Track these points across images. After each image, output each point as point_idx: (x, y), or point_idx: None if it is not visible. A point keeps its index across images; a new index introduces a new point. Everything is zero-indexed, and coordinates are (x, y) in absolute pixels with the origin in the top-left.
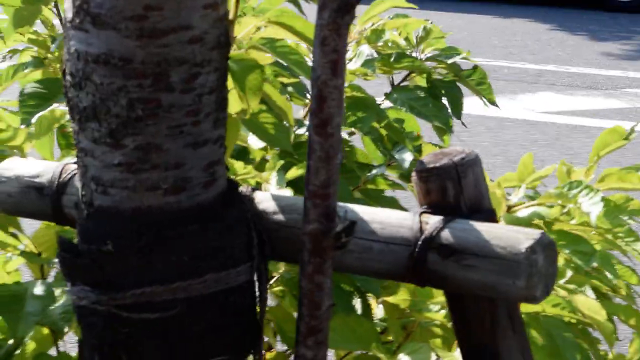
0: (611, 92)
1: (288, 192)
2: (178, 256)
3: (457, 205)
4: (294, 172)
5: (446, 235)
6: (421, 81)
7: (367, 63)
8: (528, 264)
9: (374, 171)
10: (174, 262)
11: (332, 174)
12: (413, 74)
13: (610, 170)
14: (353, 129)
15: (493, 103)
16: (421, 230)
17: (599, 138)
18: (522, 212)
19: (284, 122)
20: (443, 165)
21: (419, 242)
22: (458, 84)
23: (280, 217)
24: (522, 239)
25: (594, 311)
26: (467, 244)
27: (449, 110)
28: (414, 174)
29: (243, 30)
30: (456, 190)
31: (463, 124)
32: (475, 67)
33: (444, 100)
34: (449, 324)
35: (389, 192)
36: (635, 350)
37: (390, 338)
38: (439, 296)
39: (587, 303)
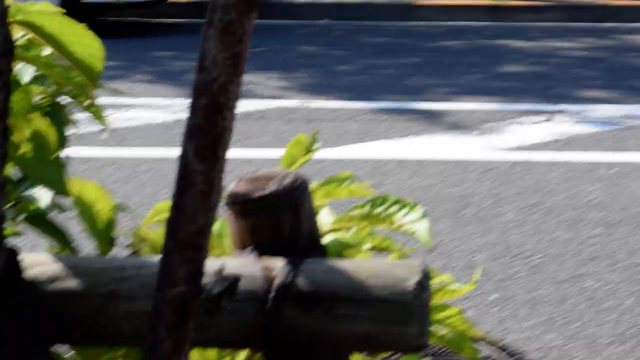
0: None
1: None
2: None
3: (292, 242)
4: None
5: (304, 280)
6: None
7: None
8: (419, 304)
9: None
10: None
11: (212, 215)
12: None
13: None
14: None
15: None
16: (268, 279)
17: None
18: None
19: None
20: (275, 193)
21: (271, 295)
22: None
23: (67, 284)
24: (405, 273)
25: None
26: (337, 288)
27: None
28: (227, 208)
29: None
30: (292, 223)
31: None
32: None
33: None
34: None
35: None
36: None
37: None
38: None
39: None
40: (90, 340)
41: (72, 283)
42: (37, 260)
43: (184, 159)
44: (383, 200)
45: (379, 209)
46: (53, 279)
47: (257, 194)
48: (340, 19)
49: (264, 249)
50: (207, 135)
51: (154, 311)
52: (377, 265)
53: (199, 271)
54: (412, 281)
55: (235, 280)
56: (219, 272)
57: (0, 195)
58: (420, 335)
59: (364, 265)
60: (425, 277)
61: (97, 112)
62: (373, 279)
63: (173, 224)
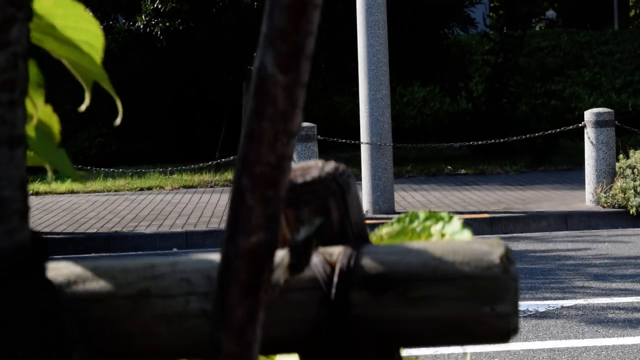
0: None
1: None
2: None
3: (342, 233)
4: None
5: (370, 263)
6: None
7: None
8: (508, 277)
9: None
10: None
11: (292, 145)
12: None
13: None
14: None
15: None
16: (328, 262)
17: None
18: None
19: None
20: (319, 178)
21: (335, 278)
22: None
23: (86, 286)
24: (486, 248)
25: None
26: (410, 268)
27: None
28: None
29: None
30: (341, 211)
31: None
32: None
33: None
34: None
35: None
36: None
37: None
38: None
39: None
40: (120, 352)
41: (93, 286)
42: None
43: (261, 73)
44: (415, 215)
45: (414, 224)
46: (70, 282)
47: (300, 180)
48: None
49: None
50: (290, 41)
51: (221, 271)
52: (451, 244)
53: (276, 215)
54: (496, 254)
55: (322, 223)
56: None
57: (23, 156)
58: (513, 315)
59: (436, 245)
60: (509, 250)
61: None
62: (450, 256)
63: (247, 156)
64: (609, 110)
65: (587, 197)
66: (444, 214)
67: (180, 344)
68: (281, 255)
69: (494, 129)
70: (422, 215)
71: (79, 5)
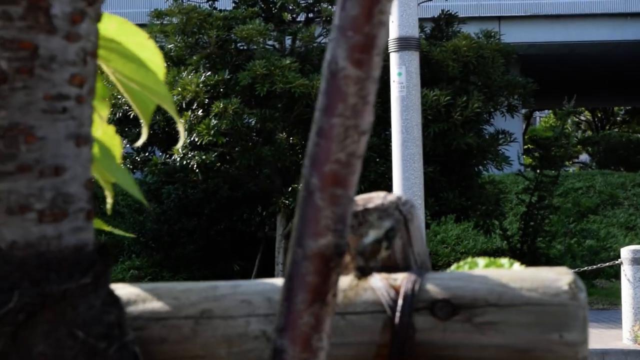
0: None
1: None
2: (61, 334)
3: (406, 263)
4: None
5: (435, 288)
6: None
7: None
8: (577, 305)
9: None
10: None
11: (363, 142)
12: None
13: None
14: None
15: None
16: (392, 287)
17: None
18: None
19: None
20: (382, 206)
21: (400, 302)
22: None
23: (146, 306)
24: (554, 275)
25: None
26: (477, 294)
27: None
28: None
29: None
30: (404, 239)
31: None
32: None
33: None
34: None
35: None
36: None
37: None
38: None
39: None
40: None
41: (153, 305)
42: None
43: (331, 67)
44: (475, 263)
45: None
46: (130, 301)
47: (363, 207)
48: None
49: (377, 271)
50: (362, 32)
51: (289, 274)
52: (517, 271)
53: (345, 216)
54: (564, 281)
55: (392, 226)
56: (363, 217)
57: (89, 156)
58: (581, 344)
59: (502, 272)
60: (577, 279)
61: None
62: (518, 283)
63: (316, 154)
64: None
65: (625, 335)
66: (505, 261)
67: None
68: (348, 259)
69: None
70: (481, 262)
71: (142, 32)
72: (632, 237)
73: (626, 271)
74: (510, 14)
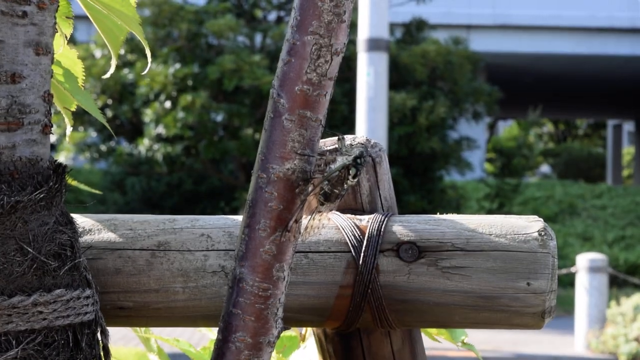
0: None
1: None
2: (10, 248)
3: (373, 207)
4: None
5: (402, 229)
6: None
7: None
8: (548, 253)
9: None
10: (13, 258)
11: (337, 61)
12: None
13: None
14: None
15: None
16: (358, 227)
17: None
18: None
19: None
20: (350, 146)
21: (364, 242)
22: None
23: (101, 236)
24: (524, 222)
25: None
26: (444, 237)
27: None
28: None
29: None
30: (371, 182)
31: None
32: None
33: None
34: None
35: None
36: None
37: None
38: None
39: None
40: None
41: (108, 235)
42: None
43: None
44: None
45: None
46: (86, 230)
47: (331, 147)
48: None
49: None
50: None
51: (251, 201)
52: (487, 217)
53: (313, 140)
54: (534, 228)
55: (361, 153)
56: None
57: (48, 69)
58: (549, 292)
59: (471, 217)
60: (548, 227)
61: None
62: (486, 228)
63: (286, 74)
64: (603, 256)
65: (578, 341)
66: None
67: (195, 303)
68: (314, 183)
69: None
70: None
71: None
72: (589, 247)
73: (582, 279)
74: (479, 24)
